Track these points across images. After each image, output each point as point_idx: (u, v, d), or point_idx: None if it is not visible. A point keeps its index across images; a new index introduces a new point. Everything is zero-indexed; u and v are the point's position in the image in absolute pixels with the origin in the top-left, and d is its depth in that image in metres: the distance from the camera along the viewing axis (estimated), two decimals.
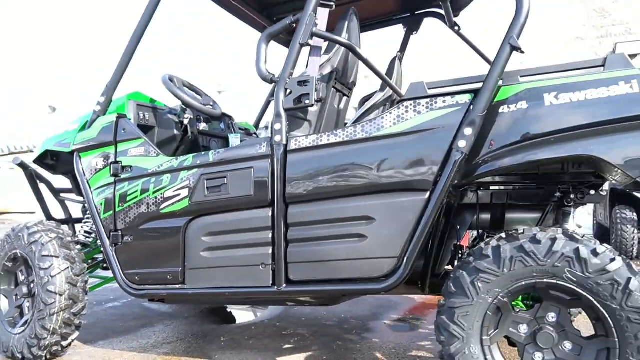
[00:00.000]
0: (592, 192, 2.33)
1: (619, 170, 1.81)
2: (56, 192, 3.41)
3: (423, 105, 2.06)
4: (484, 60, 3.43)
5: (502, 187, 2.40)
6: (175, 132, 2.91)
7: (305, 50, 2.31)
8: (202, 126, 3.14)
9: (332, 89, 2.54)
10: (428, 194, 2.02)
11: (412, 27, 3.62)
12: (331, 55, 2.46)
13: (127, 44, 2.67)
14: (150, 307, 3.98)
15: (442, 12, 3.35)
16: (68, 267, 2.65)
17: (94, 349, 2.98)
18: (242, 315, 3.89)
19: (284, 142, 2.24)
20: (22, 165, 3.09)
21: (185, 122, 2.91)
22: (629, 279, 1.72)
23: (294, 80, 2.23)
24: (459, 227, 2.51)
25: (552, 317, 1.89)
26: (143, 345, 3.02)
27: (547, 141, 1.90)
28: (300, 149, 2.22)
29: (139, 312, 3.84)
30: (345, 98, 2.78)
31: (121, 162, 2.61)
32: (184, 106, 2.89)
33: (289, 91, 2.23)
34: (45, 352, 2.64)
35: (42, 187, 3.33)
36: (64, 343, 2.69)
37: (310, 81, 2.19)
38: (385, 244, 2.07)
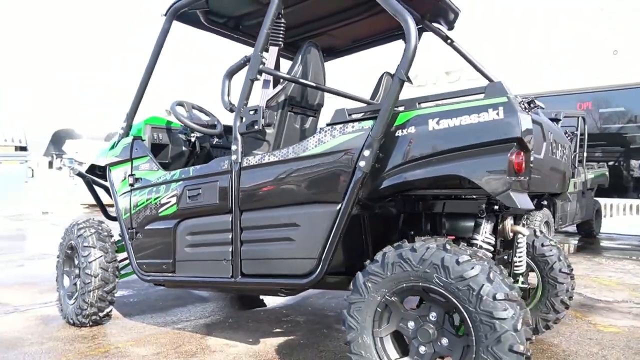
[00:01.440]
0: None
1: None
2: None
3: (337, 130, 2.42)
4: (478, 72, 3.59)
5: (441, 198, 2.64)
6: (184, 148, 3.56)
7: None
8: (216, 141, 3.74)
9: (291, 113, 2.96)
10: (339, 206, 2.37)
11: None
12: (285, 85, 2.88)
13: (142, 76, 3.34)
14: (190, 291, 4.73)
15: (438, 25, 3.55)
16: (102, 256, 3.43)
17: (129, 321, 3.75)
18: (269, 301, 4.44)
19: (239, 161, 2.73)
20: (80, 174, 3.97)
21: (192, 139, 3.53)
22: (482, 286, 1.94)
23: (247, 109, 2.70)
24: (412, 233, 2.79)
25: (433, 316, 2.15)
26: (166, 321, 3.73)
27: (427, 162, 2.16)
28: (249, 166, 2.69)
29: (179, 294, 4.60)
30: (311, 118, 3.18)
31: (135, 174, 3.31)
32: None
33: (243, 118, 2.71)
34: (87, 320, 3.45)
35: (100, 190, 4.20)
36: (101, 314, 3.47)
37: (258, 110, 2.65)
38: (307, 247, 2.47)
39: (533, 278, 3.32)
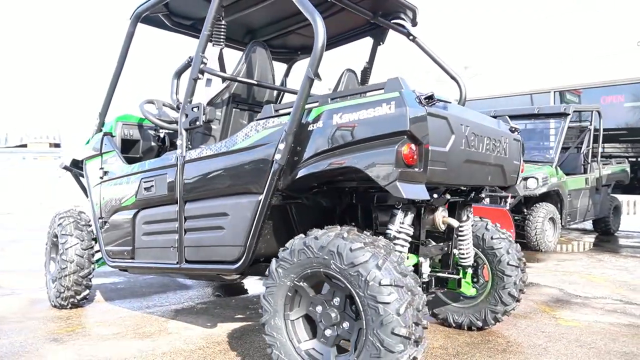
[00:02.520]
0: (447, 195, 2.56)
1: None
2: None
3: (261, 125, 2.57)
4: (441, 68, 3.65)
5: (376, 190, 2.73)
6: (153, 143, 3.79)
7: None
8: None
9: (236, 109, 3.13)
10: (260, 196, 2.52)
11: (378, 38, 3.95)
12: (228, 83, 3.05)
13: (111, 76, 3.58)
14: (178, 280, 4.99)
15: (402, 22, 3.63)
16: (78, 243, 3.71)
17: (108, 304, 4.03)
18: (252, 289, 4.63)
19: (184, 155, 2.92)
20: (66, 168, 4.27)
21: (162, 135, 3.76)
22: (370, 272, 2.05)
23: (190, 107, 2.89)
24: (353, 225, 2.91)
25: (336, 300, 2.27)
26: (142, 306, 3.98)
27: (331, 155, 2.27)
28: (191, 159, 2.88)
29: (165, 282, 4.87)
30: (257, 114, 3.33)
31: (104, 168, 3.57)
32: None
33: (187, 115, 2.90)
34: (66, 302, 3.74)
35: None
36: (78, 297, 3.76)
37: (199, 107, 2.83)
38: (234, 235, 2.63)
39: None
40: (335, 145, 2.26)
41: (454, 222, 2.83)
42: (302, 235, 2.34)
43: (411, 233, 2.59)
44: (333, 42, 4.20)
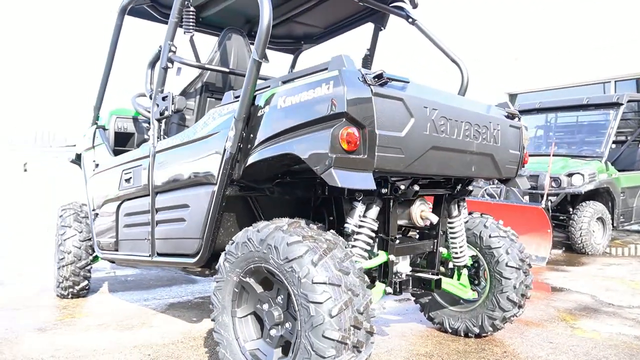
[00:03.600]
0: (415, 187, 2.33)
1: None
2: None
3: (218, 112, 2.45)
4: (442, 52, 3.39)
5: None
6: (146, 136, 3.78)
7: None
8: None
9: (210, 98, 3.03)
10: (215, 187, 2.40)
11: (379, 23, 3.74)
12: (201, 72, 2.95)
13: (103, 69, 3.60)
14: (186, 275, 4.98)
15: (402, 4, 3.41)
16: (75, 234, 3.77)
17: (109, 296, 4.09)
18: None
19: (155, 145, 2.86)
20: (73, 161, 4.38)
21: None
22: (303, 268, 1.87)
23: (160, 97, 2.82)
24: (330, 218, 2.74)
25: (280, 298, 2.10)
26: (140, 298, 4.00)
27: (275, 141, 2.10)
28: (160, 150, 2.81)
29: (174, 277, 4.89)
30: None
31: (95, 160, 3.60)
32: None
33: (157, 105, 2.84)
34: (66, 292, 3.83)
35: None
36: (76, 287, 3.83)
37: (168, 96, 2.76)
38: (194, 227, 2.53)
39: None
40: (279, 130, 2.09)
41: (433, 218, 2.57)
42: (247, 227, 2.19)
43: (375, 228, 2.37)
44: (334, 29, 4.04)
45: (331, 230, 2.14)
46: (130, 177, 3.11)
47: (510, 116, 2.83)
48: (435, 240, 2.78)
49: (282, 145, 2.07)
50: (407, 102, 2.08)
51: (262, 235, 2.04)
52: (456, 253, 2.96)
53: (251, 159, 2.21)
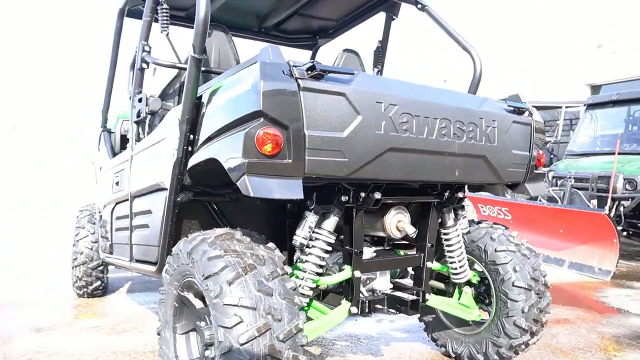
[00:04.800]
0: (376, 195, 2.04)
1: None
2: None
3: (172, 114, 2.30)
4: (454, 41, 3.04)
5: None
6: None
7: None
8: None
9: None
10: (167, 192, 2.26)
11: (391, 12, 3.46)
12: (178, 72, 2.83)
13: (108, 73, 3.62)
14: None
15: None
16: (88, 236, 3.85)
17: (125, 296, 4.14)
18: None
19: (132, 148, 2.80)
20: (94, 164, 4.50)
21: None
22: (216, 287, 1.66)
23: (136, 99, 2.75)
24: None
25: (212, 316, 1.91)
26: (150, 301, 4.01)
27: (208, 144, 1.91)
28: (135, 153, 2.74)
29: None
30: None
31: (100, 163, 3.64)
32: None
33: (134, 107, 2.77)
34: (81, 291, 3.93)
35: None
36: (90, 287, 3.91)
37: (142, 98, 2.68)
38: (155, 234, 2.41)
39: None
40: (211, 132, 1.90)
41: (409, 229, 2.24)
42: (185, 238, 2.03)
43: (331, 240, 2.10)
44: (347, 21, 3.78)
45: (270, 244, 1.92)
46: (118, 181, 3.08)
47: (517, 111, 2.41)
48: (423, 254, 2.44)
49: (208, 150, 1.88)
50: (352, 98, 1.79)
51: (189, 247, 1.86)
52: (455, 269, 2.58)
53: (189, 164, 2.04)
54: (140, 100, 2.68)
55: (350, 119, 1.79)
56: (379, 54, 3.67)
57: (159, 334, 2.14)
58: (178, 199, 2.22)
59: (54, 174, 13.28)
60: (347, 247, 2.18)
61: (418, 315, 2.37)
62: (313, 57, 4.26)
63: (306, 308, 2.43)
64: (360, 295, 2.26)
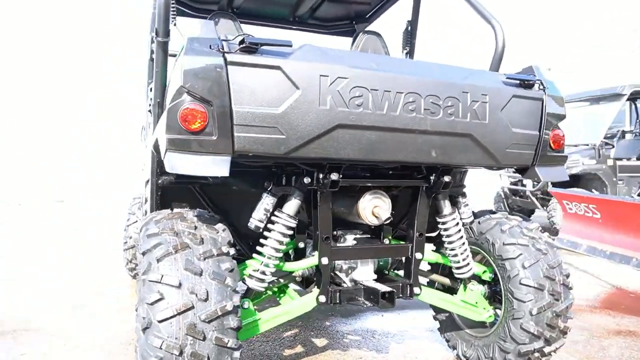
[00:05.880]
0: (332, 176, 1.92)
1: None
2: None
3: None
4: (476, 12, 2.82)
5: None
6: None
7: None
8: None
9: None
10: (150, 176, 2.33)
11: None
12: None
13: None
14: None
15: None
16: (137, 222, 4.14)
17: None
18: None
19: (147, 137, 2.94)
20: None
21: None
22: (146, 264, 1.67)
23: (149, 88, 2.89)
24: None
25: None
26: None
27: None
28: (149, 142, 2.88)
29: None
30: None
31: (141, 154, 3.88)
32: None
33: (148, 97, 2.91)
34: (132, 273, 4.24)
35: None
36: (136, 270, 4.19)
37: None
38: None
39: None
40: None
41: (383, 214, 2.06)
42: None
43: (292, 224, 2.01)
44: (382, 4, 3.61)
45: (219, 225, 1.89)
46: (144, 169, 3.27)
47: (523, 84, 2.11)
48: (411, 245, 2.24)
49: (156, 130, 1.91)
50: (289, 71, 1.70)
51: (141, 225, 1.90)
52: (457, 262, 2.34)
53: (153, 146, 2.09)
54: (151, 89, 2.80)
55: (287, 94, 1.70)
56: (408, 35, 3.45)
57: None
58: (159, 181, 2.27)
59: (54, 173, 13.31)
60: (312, 232, 2.08)
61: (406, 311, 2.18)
62: (353, 43, 4.14)
63: (277, 293, 2.37)
64: (344, 284, 2.16)
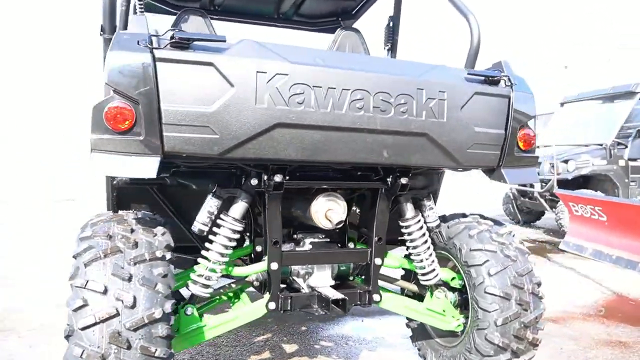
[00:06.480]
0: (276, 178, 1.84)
1: None
2: None
3: None
4: (452, 4, 2.72)
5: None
6: None
7: None
8: None
9: None
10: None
11: None
12: None
13: None
14: None
15: None
16: None
17: None
18: None
19: None
20: None
21: None
22: (74, 269, 1.61)
23: None
24: None
25: None
26: None
27: None
28: None
29: None
30: None
31: None
32: None
33: None
34: None
35: None
36: None
37: None
38: None
39: None
40: None
41: (336, 218, 1.97)
42: None
43: (239, 228, 1.93)
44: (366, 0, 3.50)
45: (159, 228, 1.82)
46: None
47: (488, 80, 1.99)
48: (370, 249, 2.13)
49: None
50: (222, 67, 1.62)
51: (81, 227, 1.85)
52: (422, 268, 2.23)
53: None
54: None
55: (220, 92, 1.62)
56: (390, 31, 3.34)
57: None
58: (114, 182, 2.22)
59: (54, 173, 13.43)
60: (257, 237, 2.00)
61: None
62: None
63: (231, 298, 2.29)
64: (303, 289, 2.08)
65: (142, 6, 2.57)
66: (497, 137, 1.99)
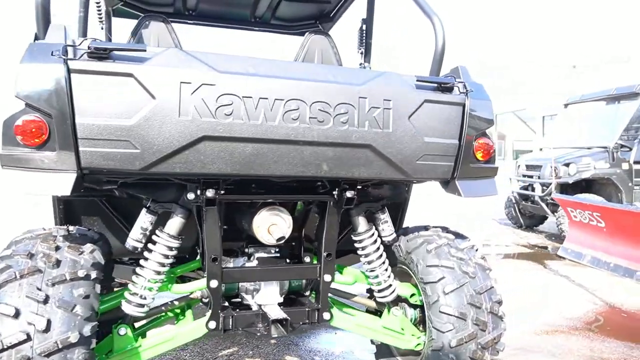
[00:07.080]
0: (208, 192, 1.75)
1: None
2: None
3: None
4: (416, 4, 2.61)
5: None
6: None
7: None
8: None
9: None
10: None
11: None
12: None
13: None
14: None
15: None
16: None
17: None
18: None
19: None
20: None
21: None
22: None
23: None
24: None
25: None
26: None
27: None
28: None
29: None
30: None
31: None
32: None
33: None
34: None
35: None
36: None
37: None
38: None
39: None
40: None
41: (277, 233, 1.87)
42: None
43: (174, 245, 1.84)
44: (343, 1, 3.40)
45: (88, 245, 1.75)
46: None
47: (440, 87, 1.88)
48: (319, 266, 2.03)
49: None
50: (142, 79, 1.53)
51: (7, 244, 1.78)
52: (378, 284, 2.13)
53: None
54: None
55: (140, 104, 1.53)
56: (362, 34, 3.24)
57: None
58: (59, 195, 2.15)
59: None
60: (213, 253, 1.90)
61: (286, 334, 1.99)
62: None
63: (177, 316, 2.21)
64: (254, 307, 1.99)
65: (101, 13, 2.51)
66: (449, 148, 1.88)
